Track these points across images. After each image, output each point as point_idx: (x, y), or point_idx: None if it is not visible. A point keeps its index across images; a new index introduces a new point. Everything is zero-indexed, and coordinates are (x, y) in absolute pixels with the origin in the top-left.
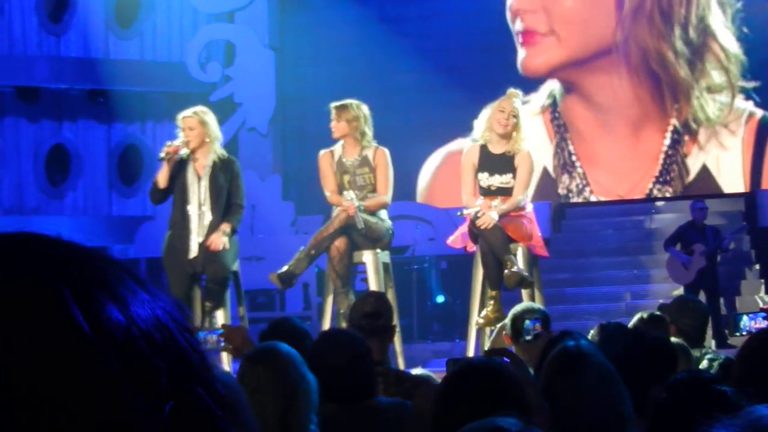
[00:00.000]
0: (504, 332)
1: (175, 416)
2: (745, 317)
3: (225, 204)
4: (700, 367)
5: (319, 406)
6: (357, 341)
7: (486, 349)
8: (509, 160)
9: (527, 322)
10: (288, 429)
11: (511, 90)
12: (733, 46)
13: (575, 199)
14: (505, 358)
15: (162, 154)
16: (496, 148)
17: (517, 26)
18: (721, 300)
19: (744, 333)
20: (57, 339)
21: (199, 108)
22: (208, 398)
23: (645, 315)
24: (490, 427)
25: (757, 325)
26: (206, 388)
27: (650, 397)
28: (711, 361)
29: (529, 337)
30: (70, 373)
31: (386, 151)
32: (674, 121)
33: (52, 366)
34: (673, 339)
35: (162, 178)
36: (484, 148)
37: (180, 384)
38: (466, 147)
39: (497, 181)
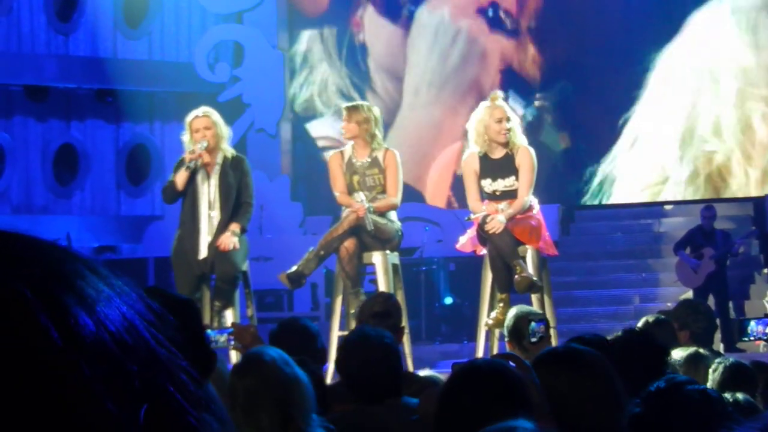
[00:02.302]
0: (505, 338)
1: (150, 419)
2: (752, 322)
3: (234, 202)
4: (710, 370)
5: (345, 404)
6: (385, 339)
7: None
8: (509, 161)
9: (533, 323)
10: None
11: (494, 93)
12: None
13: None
14: (511, 362)
15: (188, 163)
16: (495, 153)
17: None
18: (730, 304)
19: (751, 338)
20: (22, 346)
21: (206, 108)
22: (180, 396)
23: (651, 318)
24: (508, 428)
25: (765, 330)
26: (177, 386)
27: (626, 411)
28: (718, 364)
29: (534, 339)
30: (40, 383)
31: (396, 153)
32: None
33: (18, 376)
34: (688, 349)
35: (181, 181)
36: (483, 155)
37: (152, 385)
38: (465, 155)
39: (500, 185)
